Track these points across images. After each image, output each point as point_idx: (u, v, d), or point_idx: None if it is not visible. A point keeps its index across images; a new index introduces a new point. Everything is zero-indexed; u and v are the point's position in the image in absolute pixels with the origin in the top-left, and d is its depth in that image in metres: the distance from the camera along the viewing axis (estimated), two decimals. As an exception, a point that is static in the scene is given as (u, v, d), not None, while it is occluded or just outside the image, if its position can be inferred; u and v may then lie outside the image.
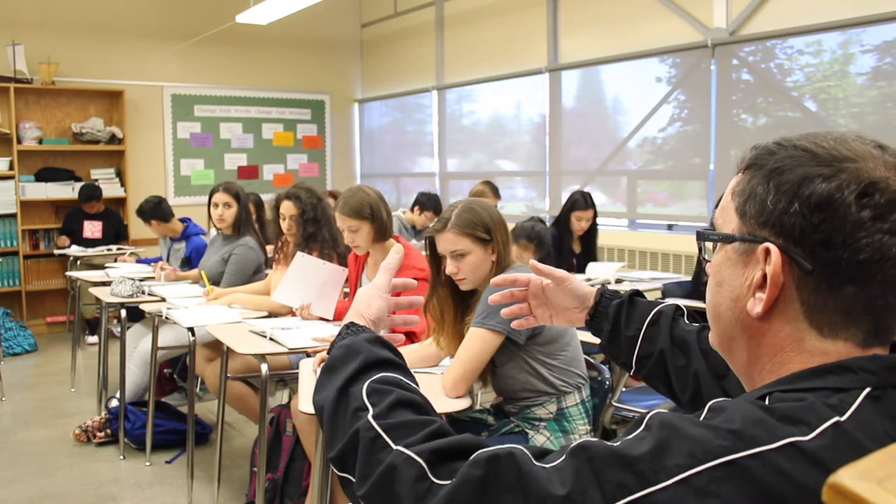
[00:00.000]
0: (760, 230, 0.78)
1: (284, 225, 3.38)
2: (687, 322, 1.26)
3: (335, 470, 0.88)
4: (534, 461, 0.74)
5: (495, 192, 5.35)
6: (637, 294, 1.33)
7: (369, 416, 0.84)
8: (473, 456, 0.76)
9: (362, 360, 0.92)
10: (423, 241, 2.42)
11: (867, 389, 0.71)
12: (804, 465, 0.66)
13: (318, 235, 3.30)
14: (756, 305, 0.78)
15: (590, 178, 5.75)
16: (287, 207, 3.34)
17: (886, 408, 0.71)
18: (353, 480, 0.85)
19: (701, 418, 0.72)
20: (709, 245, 0.86)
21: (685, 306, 1.33)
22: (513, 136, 6.62)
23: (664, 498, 0.66)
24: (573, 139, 6.00)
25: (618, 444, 0.71)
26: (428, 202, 5.51)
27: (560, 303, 1.35)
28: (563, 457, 0.73)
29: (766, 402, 0.73)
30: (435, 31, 7.17)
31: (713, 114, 4.84)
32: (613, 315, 1.29)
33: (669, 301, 1.30)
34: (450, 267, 2.18)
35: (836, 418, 0.69)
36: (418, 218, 5.50)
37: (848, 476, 0.49)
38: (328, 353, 0.98)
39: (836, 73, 4.32)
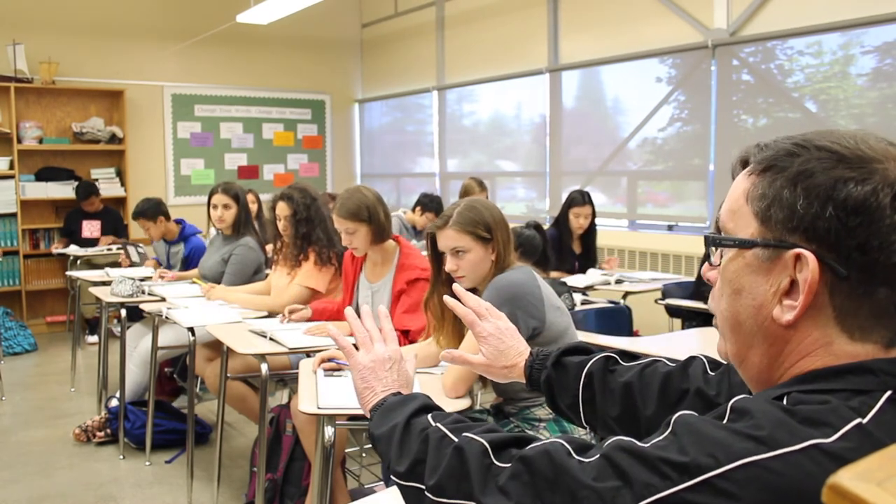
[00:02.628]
0: (789, 235, 0.75)
1: (280, 226, 3.38)
2: (623, 363, 1.22)
3: (401, 482, 0.96)
4: (572, 454, 0.78)
5: (481, 186, 5.36)
6: (565, 353, 1.28)
7: (437, 424, 0.97)
8: (519, 452, 0.83)
9: (422, 401, 1.06)
10: (423, 241, 2.43)
11: (888, 392, 0.71)
12: (828, 464, 0.66)
13: (311, 235, 3.30)
14: (786, 313, 0.76)
15: (590, 179, 5.75)
16: (281, 208, 3.35)
17: None
18: (422, 487, 0.92)
19: (724, 420, 0.73)
20: (719, 250, 0.84)
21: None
22: (513, 136, 6.62)
23: (688, 498, 0.68)
24: (573, 139, 6.00)
25: (647, 445, 0.73)
26: (430, 204, 5.50)
27: (487, 352, 1.33)
28: (598, 454, 0.76)
29: (785, 401, 0.74)
30: (435, 31, 7.17)
31: (713, 114, 4.84)
32: (546, 389, 1.27)
33: (598, 353, 1.26)
34: (449, 264, 2.18)
35: (859, 420, 0.69)
36: (419, 219, 5.49)
37: (848, 477, 0.49)
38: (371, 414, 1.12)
39: (837, 75, 4.32)
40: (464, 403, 2.00)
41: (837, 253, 0.73)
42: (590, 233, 4.59)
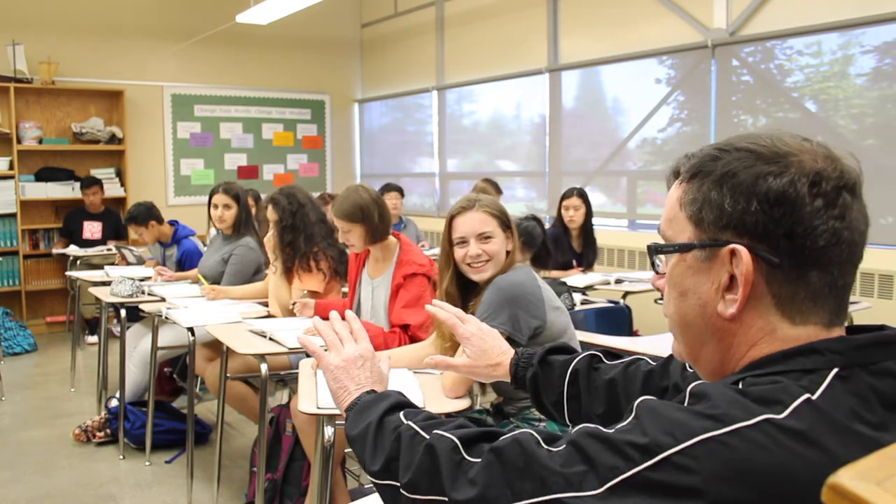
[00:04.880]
0: (722, 233, 0.80)
1: (270, 230, 3.39)
2: (607, 361, 1.26)
3: (376, 481, 0.98)
4: (541, 443, 0.82)
5: (497, 189, 5.40)
6: (551, 352, 1.32)
7: (408, 422, 0.99)
8: (489, 445, 0.86)
9: (394, 399, 1.08)
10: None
11: (835, 370, 0.75)
12: (779, 437, 0.70)
13: (295, 243, 3.29)
14: (728, 307, 0.80)
15: (590, 179, 5.75)
16: (269, 212, 3.35)
17: (854, 387, 0.75)
18: (397, 485, 0.94)
19: (685, 404, 0.77)
20: (662, 257, 0.88)
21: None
22: (513, 136, 6.62)
23: (650, 476, 0.71)
24: (573, 139, 6.00)
25: (612, 430, 0.77)
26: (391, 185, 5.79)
27: (471, 353, 1.41)
28: (565, 442, 0.80)
29: (740, 386, 0.77)
30: (435, 31, 7.17)
31: (713, 114, 4.84)
32: (532, 387, 1.31)
33: (583, 351, 1.31)
34: (474, 248, 2.13)
35: (808, 395, 0.73)
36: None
37: (848, 476, 0.49)
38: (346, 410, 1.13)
39: (836, 74, 4.32)
40: (463, 403, 2.00)
41: (767, 243, 0.78)
42: (587, 230, 4.60)
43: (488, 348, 1.38)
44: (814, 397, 0.73)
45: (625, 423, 0.77)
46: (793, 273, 0.78)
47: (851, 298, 3.83)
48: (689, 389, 0.78)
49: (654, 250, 0.88)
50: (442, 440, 0.91)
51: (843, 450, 0.70)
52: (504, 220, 2.18)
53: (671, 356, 1.17)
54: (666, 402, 0.78)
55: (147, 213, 4.57)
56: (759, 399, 0.73)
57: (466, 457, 0.88)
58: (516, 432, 0.85)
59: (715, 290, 0.81)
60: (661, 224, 0.88)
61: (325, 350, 1.23)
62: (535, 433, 0.84)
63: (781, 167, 0.78)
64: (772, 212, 0.77)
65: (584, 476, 0.75)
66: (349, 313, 1.31)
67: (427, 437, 0.94)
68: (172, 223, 4.75)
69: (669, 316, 0.89)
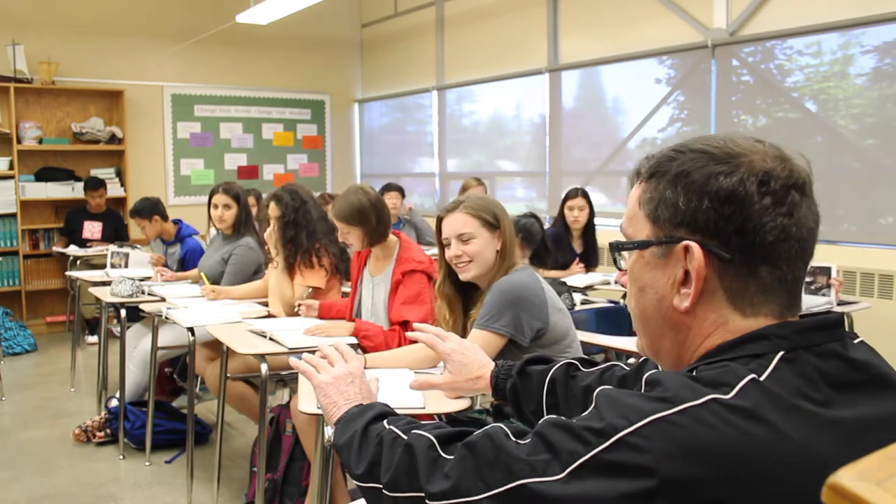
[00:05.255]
0: (676, 231, 0.84)
1: (271, 226, 3.39)
2: (583, 369, 1.31)
3: (360, 484, 1.02)
4: (510, 436, 0.86)
5: (478, 181, 5.51)
6: (529, 363, 1.38)
7: (390, 427, 1.03)
8: (462, 442, 0.91)
9: (379, 409, 1.13)
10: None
11: (781, 353, 0.79)
12: (726, 415, 0.73)
13: (297, 239, 3.30)
14: (683, 301, 0.85)
15: (590, 179, 5.75)
16: (271, 209, 3.36)
17: (798, 368, 0.78)
18: (380, 486, 0.98)
19: (641, 391, 0.81)
20: (625, 255, 0.92)
21: None
22: (513, 136, 6.62)
23: (606, 457, 0.75)
24: (573, 139, 6.00)
25: (574, 420, 0.81)
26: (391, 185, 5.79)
27: (451, 368, 1.49)
28: (531, 434, 0.84)
29: (693, 374, 0.81)
30: (435, 31, 7.17)
31: (713, 115, 4.84)
32: (512, 397, 1.36)
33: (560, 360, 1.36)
34: (453, 250, 2.16)
35: (754, 376, 0.76)
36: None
37: (848, 476, 0.49)
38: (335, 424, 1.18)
39: (836, 74, 4.32)
40: (463, 404, 2.00)
41: (719, 240, 0.82)
42: (589, 230, 4.60)
43: (469, 362, 1.45)
44: (760, 378, 0.76)
45: (586, 412, 0.81)
46: (743, 268, 0.82)
47: (851, 298, 3.83)
48: (644, 378, 0.82)
49: (615, 248, 0.92)
50: (420, 439, 0.96)
51: (789, 426, 0.73)
52: (488, 220, 2.17)
53: (645, 360, 1.20)
54: (623, 390, 0.82)
55: (152, 208, 4.59)
56: (708, 382, 0.77)
57: (442, 454, 0.92)
58: (487, 427, 0.90)
59: (671, 285, 0.85)
60: (622, 223, 0.93)
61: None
62: (504, 427, 0.88)
63: (732, 167, 0.81)
64: (722, 209, 0.81)
65: (548, 463, 0.79)
66: (339, 344, 1.38)
67: (406, 437, 0.98)
68: (176, 222, 4.76)
69: (631, 311, 0.93)
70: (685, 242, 0.83)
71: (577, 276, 4.28)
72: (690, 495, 0.72)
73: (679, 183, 0.83)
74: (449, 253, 2.18)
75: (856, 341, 0.86)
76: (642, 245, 0.88)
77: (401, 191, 5.79)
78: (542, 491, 0.78)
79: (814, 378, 0.78)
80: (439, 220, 2.23)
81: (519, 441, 0.84)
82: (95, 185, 6.27)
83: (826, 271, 3.41)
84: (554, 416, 0.84)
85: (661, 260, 0.86)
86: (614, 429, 0.75)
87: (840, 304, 3.48)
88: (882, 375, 0.82)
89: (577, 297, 3.64)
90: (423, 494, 0.90)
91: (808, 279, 3.48)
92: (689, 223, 0.83)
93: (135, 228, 6.64)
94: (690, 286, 0.83)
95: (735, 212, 0.81)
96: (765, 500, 0.72)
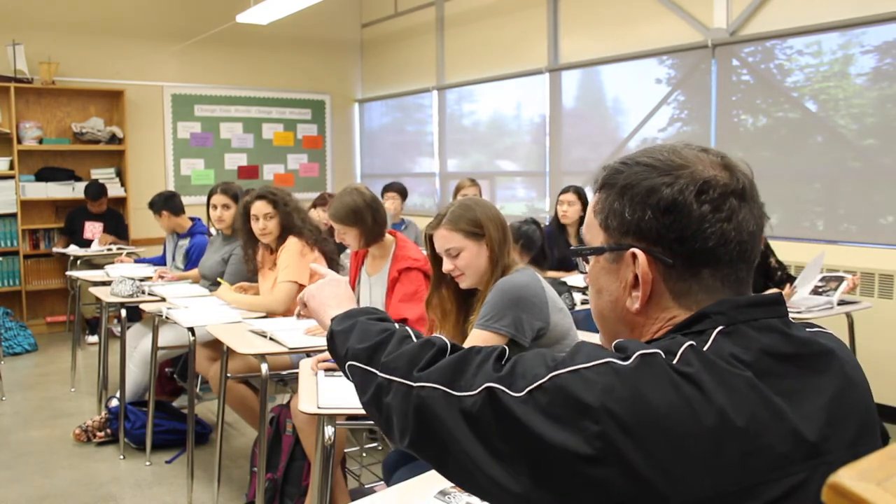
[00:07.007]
0: (624, 238, 0.91)
1: (258, 226, 3.39)
2: None
3: (353, 363, 1.05)
4: (491, 357, 0.92)
5: (472, 182, 5.44)
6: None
7: (405, 327, 1.06)
8: (466, 349, 0.95)
9: (383, 314, 1.15)
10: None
11: (720, 327, 0.85)
12: (671, 374, 0.78)
13: (305, 223, 3.40)
14: (634, 302, 0.91)
15: (590, 179, 5.73)
16: (259, 207, 3.37)
17: (735, 340, 0.84)
18: (374, 371, 1.00)
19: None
20: (589, 260, 0.99)
21: None
22: (513, 136, 6.62)
23: (558, 381, 0.80)
24: (573, 139, 6.00)
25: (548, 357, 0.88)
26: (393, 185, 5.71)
27: None
28: (513, 360, 0.90)
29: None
30: (435, 31, 7.17)
31: (713, 114, 4.84)
32: None
33: None
34: (446, 265, 2.18)
35: (693, 343, 0.82)
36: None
37: (848, 476, 0.49)
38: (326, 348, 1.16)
39: (836, 74, 4.32)
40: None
41: (662, 247, 0.88)
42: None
43: None
44: (701, 347, 0.82)
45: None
46: (686, 272, 0.88)
47: (851, 298, 3.83)
48: (613, 345, 0.87)
49: (574, 253, 1.00)
50: (439, 340, 1.00)
51: (721, 390, 0.78)
52: (471, 231, 2.14)
53: None
54: (540, 351, 0.89)
55: (162, 203, 4.63)
56: (661, 347, 0.83)
57: (455, 393, 0.93)
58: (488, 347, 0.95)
59: (623, 288, 0.92)
60: (583, 229, 0.99)
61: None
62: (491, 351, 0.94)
63: (673, 178, 0.87)
64: (663, 219, 0.87)
65: (515, 379, 0.84)
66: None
67: (416, 339, 1.02)
68: (193, 219, 4.79)
69: (592, 311, 1.00)
70: (632, 250, 0.89)
71: (577, 276, 4.28)
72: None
73: (625, 195, 0.90)
74: (444, 267, 2.19)
75: (811, 329, 0.91)
76: (596, 251, 0.95)
77: (401, 191, 5.70)
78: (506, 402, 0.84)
79: (750, 347, 0.83)
80: (428, 238, 2.24)
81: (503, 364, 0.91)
82: (97, 194, 6.23)
83: (839, 280, 3.51)
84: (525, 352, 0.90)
85: (613, 265, 0.93)
86: (573, 361, 0.82)
87: (840, 303, 3.48)
88: (823, 352, 0.87)
89: (578, 296, 3.63)
90: (411, 383, 0.94)
91: (820, 285, 3.52)
92: (635, 232, 0.89)
93: (135, 228, 6.68)
94: (639, 289, 0.90)
95: (675, 221, 0.86)
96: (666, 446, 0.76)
